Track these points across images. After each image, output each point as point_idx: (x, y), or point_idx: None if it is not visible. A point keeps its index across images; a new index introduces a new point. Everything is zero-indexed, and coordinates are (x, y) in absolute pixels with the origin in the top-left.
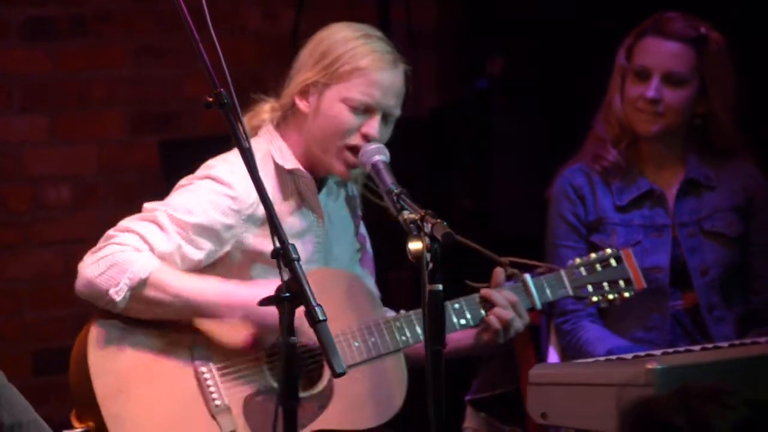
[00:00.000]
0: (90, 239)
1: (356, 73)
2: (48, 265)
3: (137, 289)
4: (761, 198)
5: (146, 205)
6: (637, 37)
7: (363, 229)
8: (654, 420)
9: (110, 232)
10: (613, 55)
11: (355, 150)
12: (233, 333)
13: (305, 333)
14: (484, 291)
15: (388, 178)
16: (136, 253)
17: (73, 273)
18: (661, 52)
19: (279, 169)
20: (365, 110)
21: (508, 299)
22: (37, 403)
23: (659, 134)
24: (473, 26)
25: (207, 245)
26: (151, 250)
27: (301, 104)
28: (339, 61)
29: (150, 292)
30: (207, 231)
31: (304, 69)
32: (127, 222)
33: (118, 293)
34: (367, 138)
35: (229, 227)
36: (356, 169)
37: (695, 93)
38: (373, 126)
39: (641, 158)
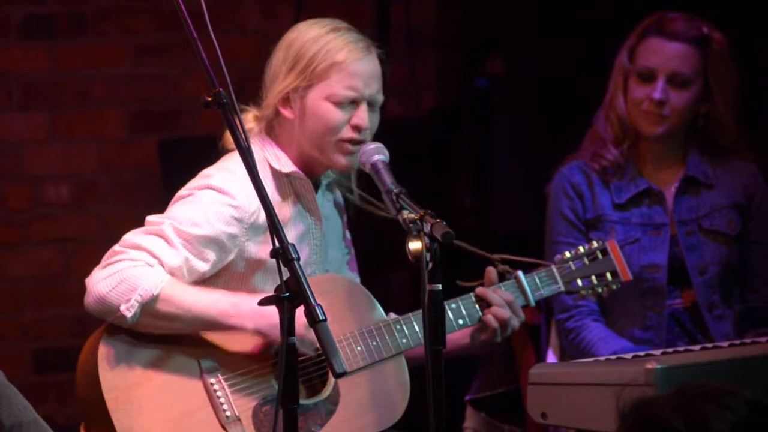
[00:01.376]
0: (90, 238)
1: (334, 68)
2: (47, 264)
3: (148, 304)
4: (761, 196)
5: (149, 218)
6: (639, 37)
7: (348, 234)
8: (652, 422)
9: (116, 247)
10: (613, 54)
11: (349, 141)
12: (241, 343)
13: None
14: (479, 290)
15: (388, 178)
16: (147, 268)
17: (73, 271)
18: (665, 54)
19: (276, 174)
20: (351, 102)
21: (504, 298)
22: (37, 402)
23: (663, 135)
24: (473, 26)
25: (213, 256)
26: (161, 265)
27: (286, 112)
28: (315, 60)
29: (161, 308)
30: (212, 242)
31: (280, 76)
32: (132, 237)
33: (129, 309)
34: (358, 129)
35: (233, 236)
36: (355, 156)
37: (699, 93)
38: (362, 116)
39: (641, 157)
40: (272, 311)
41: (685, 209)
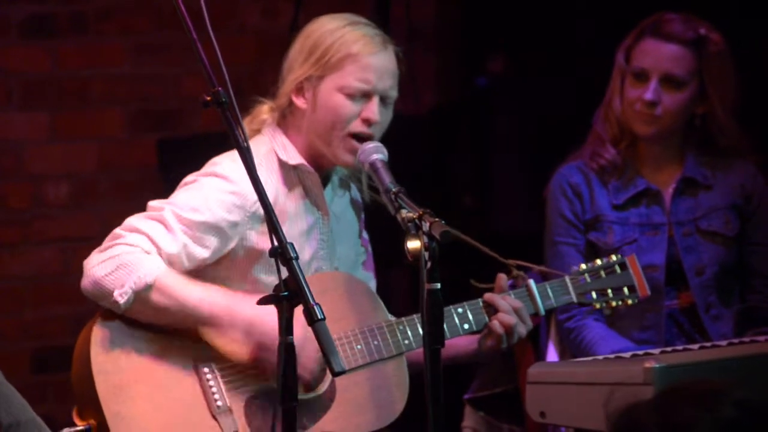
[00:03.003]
0: (90, 237)
1: (349, 59)
2: (47, 263)
3: (142, 292)
4: (759, 197)
5: (151, 203)
6: (636, 38)
7: (365, 233)
8: (632, 428)
9: (117, 231)
10: (613, 54)
11: (358, 137)
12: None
13: (302, 363)
14: (487, 296)
15: (386, 177)
16: (145, 255)
17: (73, 271)
18: (659, 55)
19: (283, 165)
20: (363, 95)
21: (512, 305)
22: (36, 401)
23: (656, 136)
24: (473, 24)
25: (213, 243)
26: (159, 252)
27: (298, 101)
28: (330, 51)
29: (155, 297)
30: (213, 229)
31: (296, 66)
32: (133, 221)
33: (122, 295)
34: (368, 122)
35: (234, 224)
36: None
37: (694, 95)
38: (373, 110)
39: (639, 158)
40: (264, 326)
41: (683, 210)
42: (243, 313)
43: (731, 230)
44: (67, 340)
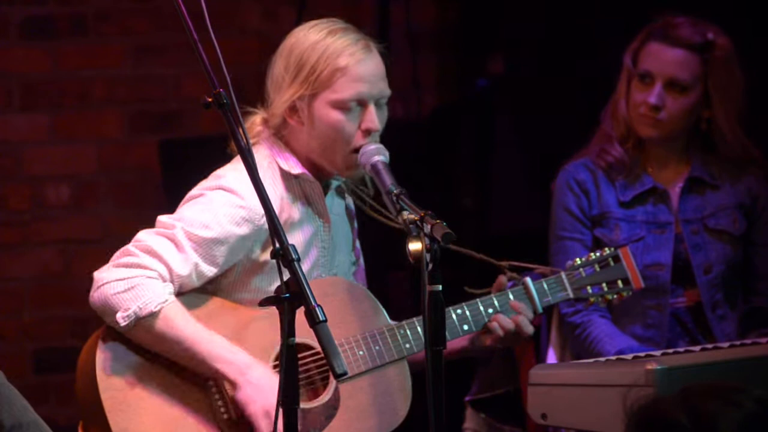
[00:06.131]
0: (90, 239)
1: (337, 74)
2: (47, 265)
3: (145, 320)
4: (765, 198)
5: (161, 219)
6: (643, 41)
7: (358, 243)
8: (659, 420)
9: (130, 248)
10: (614, 54)
11: (359, 150)
12: (240, 345)
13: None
14: (513, 304)
15: (388, 179)
16: (159, 283)
17: (73, 272)
18: (665, 59)
19: (285, 175)
20: (358, 105)
21: (511, 305)
22: (37, 402)
23: (659, 138)
24: (473, 25)
25: (222, 259)
26: (172, 277)
27: (293, 121)
28: (317, 68)
29: (157, 326)
30: (223, 244)
31: (284, 86)
32: (147, 240)
33: (125, 318)
34: (369, 133)
35: (244, 238)
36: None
37: (698, 99)
38: (371, 119)
39: (646, 157)
40: (258, 369)
41: (691, 208)
42: (239, 360)
43: (738, 229)
44: (68, 342)
